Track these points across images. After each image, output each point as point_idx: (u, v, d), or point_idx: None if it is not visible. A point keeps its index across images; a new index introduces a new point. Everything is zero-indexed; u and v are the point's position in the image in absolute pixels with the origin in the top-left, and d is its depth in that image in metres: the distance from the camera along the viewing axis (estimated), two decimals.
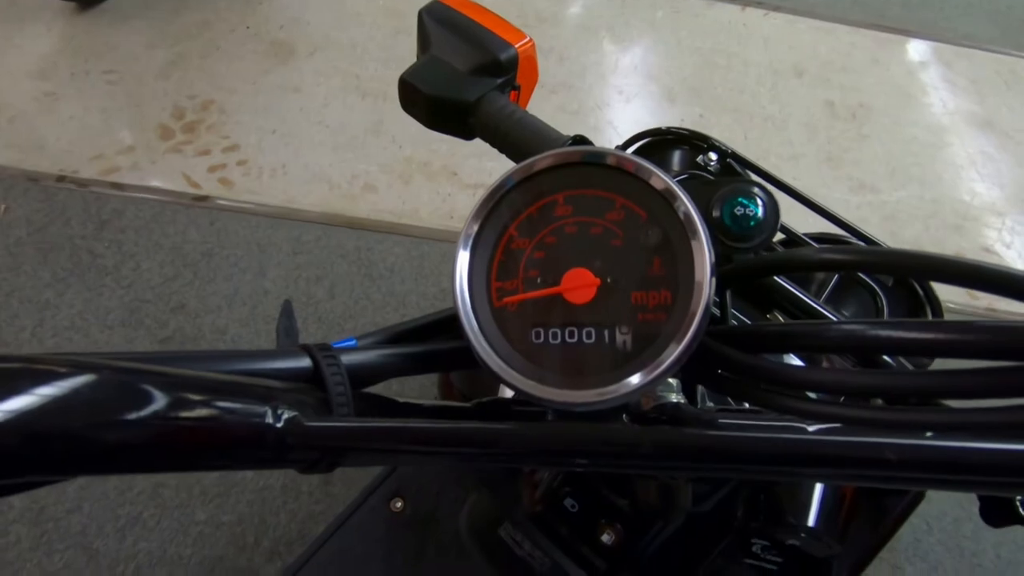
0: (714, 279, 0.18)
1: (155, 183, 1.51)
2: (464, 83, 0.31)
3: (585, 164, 0.20)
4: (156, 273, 1.38)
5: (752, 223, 0.23)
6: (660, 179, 0.19)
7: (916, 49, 2.17)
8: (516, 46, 0.32)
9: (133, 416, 0.15)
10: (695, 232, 0.19)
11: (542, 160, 0.21)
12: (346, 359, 0.23)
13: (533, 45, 0.34)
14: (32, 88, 1.64)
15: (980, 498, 0.30)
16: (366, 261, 1.46)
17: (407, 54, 0.36)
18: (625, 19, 2.14)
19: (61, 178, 1.50)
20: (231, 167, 1.56)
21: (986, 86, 2.03)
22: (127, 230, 1.43)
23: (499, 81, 0.32)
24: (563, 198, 0.20)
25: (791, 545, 0.35)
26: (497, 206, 0.21)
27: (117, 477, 1.13)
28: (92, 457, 0.14)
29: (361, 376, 0.24)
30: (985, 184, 1.77)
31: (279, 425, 0.18)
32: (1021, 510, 0.29)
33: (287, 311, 0.27)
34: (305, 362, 0.22)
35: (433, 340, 0.28)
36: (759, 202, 0.23)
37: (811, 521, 0.34)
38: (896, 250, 0.19)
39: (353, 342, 0.27)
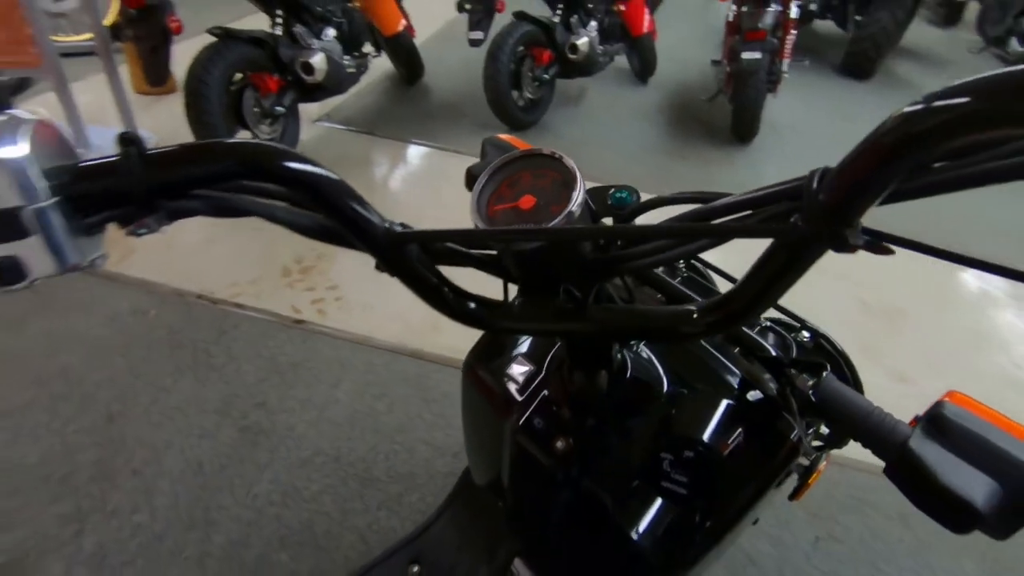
0: (582, 181, 0.38)
1: (268, 307, 1.87)
2: None
3: (539, 156, 0.42)
4: (252, 375, 1.64)
5: (626, 202, 0.43)
6: (566, 159, 0.41)
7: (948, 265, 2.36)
8: None
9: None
10: (572, 168, 0.39)
11: (521, 152, 0.43)
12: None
13: None
14: (202, 234, 2.15)
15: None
16: (424, 387, 1.66)
17: None
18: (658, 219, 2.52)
19: (200, 296, 1.89)
20: (329, 301, 1.91)
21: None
22: (239, 340, 1.74)
23: None
24: (529, 173, 0.42)
25: (688, 459, 0.46)
26: (497, 172, 0.43)
27: (173, 540, 1.25)
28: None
29: None
30: None
31: None
32: (813, 397, 0.42)
33: None
34: None
35: None
36: (627, 192, 0.44)
37: (705, 438, 0.46)
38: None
39: None
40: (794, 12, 3.00)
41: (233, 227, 2.21)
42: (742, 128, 3.10)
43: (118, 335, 1.73)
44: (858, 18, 4.40)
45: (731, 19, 3.12)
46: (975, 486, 0.35)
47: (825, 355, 0.63)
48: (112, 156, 0.32)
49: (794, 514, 1.45)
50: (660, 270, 0.54)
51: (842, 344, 0.66)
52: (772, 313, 0.66)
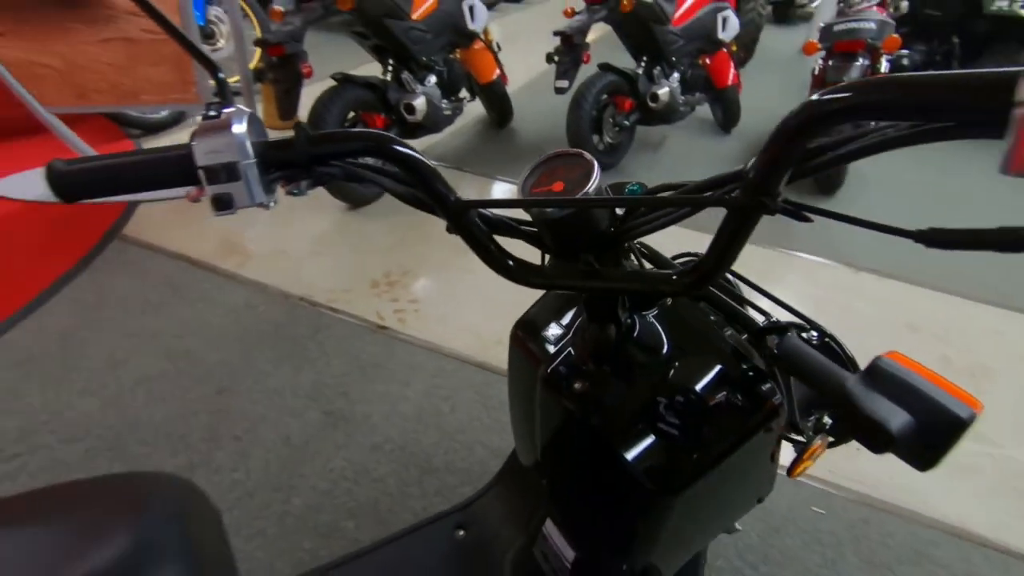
0: (598, 170, 0.51)
1: (357, 313, 2.10)
2: None
3: (569, 155, 0.56)
4: (338, 368, 1.86)
5: (636, 191, 0.56)
6: (587, 155, 0.54)
7: None
8: None
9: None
10: (592, 161, 0.52)
11: (554, 152, 0.57)
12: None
13: None
14: (309, 247, 2.46)
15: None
16: (486, 394, 1.80)
17: None
18: (758, 272, 2.55)
19: (302, 299, 2.16)
20: (409, 311, 2.12)
21: None
22: (330, 338, 1.98)
23: None
24: (562, 167, 0.56)
25: (680, 404, 0.56)
26: (537, 168, 0.57)
27: (261, 498, 1.44)
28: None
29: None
30: None
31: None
32: (776, 350, 0.51)
33: None
34: None
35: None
36: (638, 185, 0.56)
37: (696, 388, 0.56)
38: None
39: None
40: (884, 67, 3.00)
41: (333, 244, 2.51)
42: (826, 179, 3.09)
43: (234, 325, 2.02)
44: None
45: (816, 72, 3.16)
46: (892, 417, 0.44)
47: (832, 355, 0.71)
48: (288, 137, 0.50)
49: (846, 558, 1.42)
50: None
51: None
52: (785, 315, 0.75)
